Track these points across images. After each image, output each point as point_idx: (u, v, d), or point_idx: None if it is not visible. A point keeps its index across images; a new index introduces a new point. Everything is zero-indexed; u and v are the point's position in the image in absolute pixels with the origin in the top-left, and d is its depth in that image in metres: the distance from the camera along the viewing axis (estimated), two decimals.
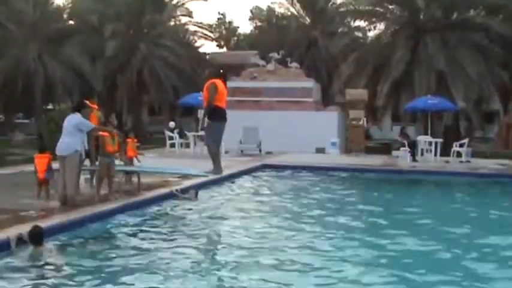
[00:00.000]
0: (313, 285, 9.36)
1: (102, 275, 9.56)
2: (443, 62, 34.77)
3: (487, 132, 45.42)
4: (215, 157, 15.51)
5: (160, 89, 46.44)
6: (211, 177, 18.03)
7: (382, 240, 12.45)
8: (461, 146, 29.72)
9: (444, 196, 20.78)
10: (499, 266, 10.55)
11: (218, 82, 14.97)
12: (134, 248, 11.37)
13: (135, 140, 19.43)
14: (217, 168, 15.65)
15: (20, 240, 10.70)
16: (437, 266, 10.46)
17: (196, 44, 57.09)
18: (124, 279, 9.31)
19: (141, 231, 12.89)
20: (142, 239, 12.16)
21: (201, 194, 17.88)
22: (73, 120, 14.46)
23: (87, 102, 17.07)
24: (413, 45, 37.35)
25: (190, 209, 15.86)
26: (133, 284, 9.07)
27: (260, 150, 31.98)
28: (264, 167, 25.81)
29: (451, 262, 10.81)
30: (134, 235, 12.44)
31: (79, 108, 15.06)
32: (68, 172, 14.24)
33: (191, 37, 56.17)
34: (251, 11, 73.59)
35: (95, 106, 17.59)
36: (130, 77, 45.99)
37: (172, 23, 53.90)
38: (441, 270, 10.16)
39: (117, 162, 17.67)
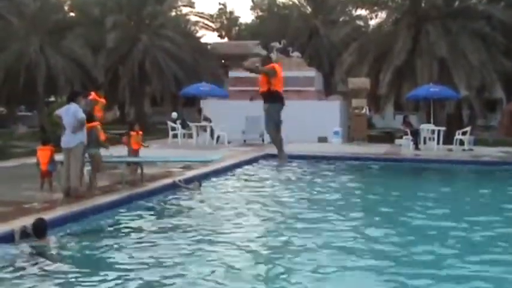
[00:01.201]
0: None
1: (106, 266, 9.58)
2: (445, 50, 34.69)
3: (490, 120, 45.39)
4: (277, 142, 15.40)
5: (162, 79, 46.43)
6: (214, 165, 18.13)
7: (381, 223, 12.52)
8: (463, 134, 29.73)
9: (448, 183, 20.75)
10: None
11: (278, 67, 14.96)
12: (137, 239, 11.39)
13: (140, 133, 19.39)
14: (282, 157, 15.62)
15: (24, 233, 10.72)
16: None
17: (198, 35, 57.00)
18: (127, 271, 9.31)
19: (145, 222, 12.92)
20: (146, 230, 12.17)
21: (204, 184, 17.95)
22: (70, 111, 14.41)
23: (94, 94, 17.07)
24: (414, 34, 37.26)
25: (193, 200, 15.89)
26: (137, 276, 9.05)
27: (263, 140, 31.98)
28: (267, 157, 25.77)
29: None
30: (137, 226, 12.47)
31: (72, 97, 14.96)
32: (72, 164, 14.26)
33: (192, 27, 56.07)
34: (252, 1, 73.55)
35: (103, 100, 17.56)
36: (132, 68, 46.00)
37: (173, 14, 53.81)
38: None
39: (120, 153, 17.73)
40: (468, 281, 9.04)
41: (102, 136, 15.71)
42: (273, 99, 14.62)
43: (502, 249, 11.04)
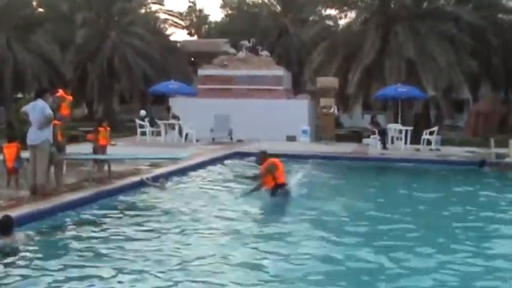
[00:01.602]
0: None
1: (71, 264, 9.54)
2: (413, 50, 34.87)
3: (457, 121, 45.76)
4: None
5: (131, 77, 46.23)
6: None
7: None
8: (431, 134, 29.94)
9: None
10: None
11: (276, 161, 15.38)
12: (104, 236, 11.37)
13: (108, 129, 19.33)
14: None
15: None
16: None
17: (167, 32, 57.04)
18: (93, 268, 9.30)
19: (112, 219, 12.89)
20: (112, 227, 12.16)
21: (172, 182, 17.96)
22: (37, 107, 14.34)
23: (62, 92, 17.00)
24: (383, 34, 37.40)
25: (160, 198, 15.86)
26: (102, 274, 9.05)
27: (231, 138, 32.04)
28: (235, 155, 25.83)
29: None
30: (104, 223, 12.44)
31: (40, 94, 14.88)
32: (38, 161, 14.20)
33: (162, 25, 56.07)
34: None
35: (70, 97, 17.49)
36: (100, 65, 45.82)
37: (142, 11, 53.69)
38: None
39: (87, 150, 17.66)
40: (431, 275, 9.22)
41: (60, 137, 15.69)
42: (282, 192, 15.08)
43: (463, 246, 11.22)
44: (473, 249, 11.02)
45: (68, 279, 8.80)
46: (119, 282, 8.77)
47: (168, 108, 33.47)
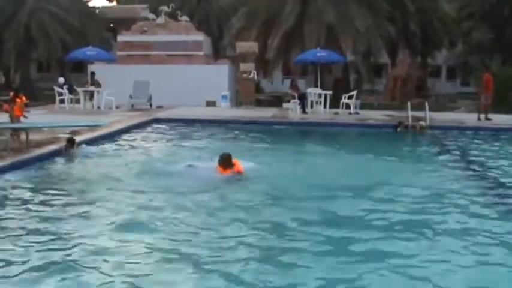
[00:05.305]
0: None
1: None
2: (333, 15, 35.15)
3: (375, 85, 46.45)
4: None
5: (48, 44, 45.52)
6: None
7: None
8: (350, 98, 30.37)
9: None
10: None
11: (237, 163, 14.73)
12: (20, 206, 11.22)
13: (24, 99, 19.07)
14: None
15: None
16: None
17: None
18: (11, 237, 9.23)
19: (29, 189, 12.69)
20: (30, 197, 11.98)
21: (92, 149, 17.84)
22: None
23: None
24: None
25: (76, 167, 15.73)
26: (20, 243, 8.97)
27: (151, 105, 31.92)
28: (155, 121, 25.77)
29: None
30: (21, 194, 12.26)
31: None
32: None
33: None
34: None
35: None
36: (17, 32, 45.00)
37: None
38: None
39: (4, 119, 17.46)
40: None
41: None
42: None
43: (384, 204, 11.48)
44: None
45: None
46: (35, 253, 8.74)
47: (92, 74, 32.83)
